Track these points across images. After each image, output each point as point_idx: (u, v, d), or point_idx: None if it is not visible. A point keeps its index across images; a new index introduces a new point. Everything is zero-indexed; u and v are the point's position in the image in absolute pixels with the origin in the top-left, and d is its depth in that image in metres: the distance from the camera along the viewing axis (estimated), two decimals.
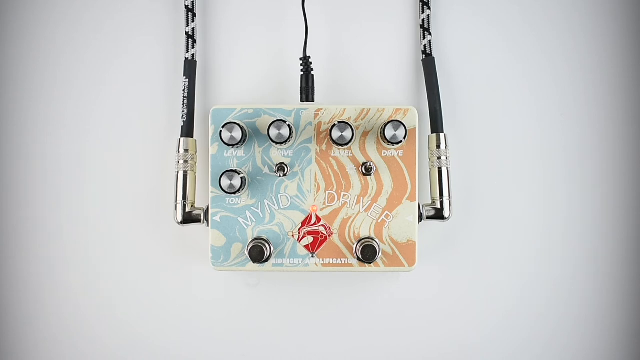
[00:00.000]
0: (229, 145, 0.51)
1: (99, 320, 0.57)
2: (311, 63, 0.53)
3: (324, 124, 0.52)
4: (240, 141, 0.51)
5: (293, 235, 0.52)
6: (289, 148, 0.52)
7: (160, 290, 0.57)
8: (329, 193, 0.52)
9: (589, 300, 0.57)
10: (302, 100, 0.54)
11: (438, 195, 0.54)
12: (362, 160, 0.52)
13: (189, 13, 0.55)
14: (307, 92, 0.54)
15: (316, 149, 0.52)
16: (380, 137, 0.52)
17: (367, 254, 0.51)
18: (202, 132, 0.55)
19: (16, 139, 0.57)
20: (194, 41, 0.55)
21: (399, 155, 0.52)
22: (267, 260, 0.51)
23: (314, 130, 0.52)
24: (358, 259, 0.51)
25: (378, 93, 0.56)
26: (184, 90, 0.54)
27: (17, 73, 0.56)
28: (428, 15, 0.55)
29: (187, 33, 0.55)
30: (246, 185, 0.52)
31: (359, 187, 0.52)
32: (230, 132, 0.50)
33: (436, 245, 0.56)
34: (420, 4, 0.55)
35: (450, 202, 0.54)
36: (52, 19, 0.56)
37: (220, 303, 0.57)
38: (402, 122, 0.50)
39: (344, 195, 0.52)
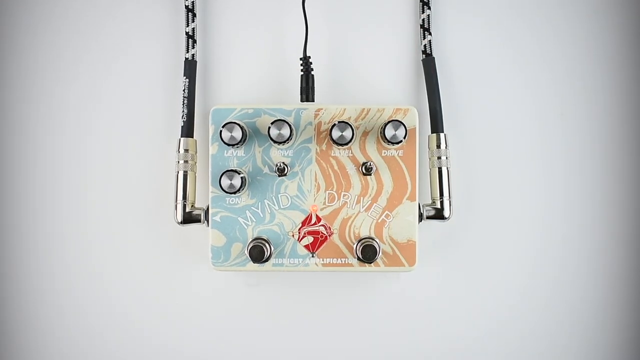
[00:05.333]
0: (229, 145, 0.51)
1: (99, 320, 0.57)
2: (311, 63, 0.53)
3: (324, 123, 0.52)
4: (240, 141, 0.51)
5: (293, 235, 0.52)
6: (289, 148, 0.52)
7: (160, 290, 0.57)
8: (329, 193, 0.52)
9: (590, 300, 0.57)
10: (302, 100, 0.54)
11: (438, 195, 0.54)
12: (362, 160, 0.52)
13: (189, 13, 0.55)
14: (307, 92, 0.54)
15: (316, 149, 0.52)
16: (380, 137, 0.51)
17: (367, 253, 0.51)
18: (202, 132, 0.55)
19: (17, 140, 0.57)
20: (194, 41, 0.55)
21: (399, 155, 0.52)
22: (267, 260, 0.51)
23: (314, 130, 0.52)
24: (358, 258, 0.51)
25: (378, 93, 0.56)
26: (184, 90, 0.54)
27: (18, 75, 0.56)
28: (428, 15, 0.55)
29: (187, 33, 0.55)
30: (246, 185, 0.52)
31: (359, 187, 0.52)
32: (230, 132, 0.50)
33: (436, 245, 0.56)
34: (420, 4, 0.55)
35: (450, 202, 0.54)
36: (52, 19, 0.56)
37: (220, 303, 0.57)
38: (402, 122, 0.50)
39: (344, 195, 0.52)
